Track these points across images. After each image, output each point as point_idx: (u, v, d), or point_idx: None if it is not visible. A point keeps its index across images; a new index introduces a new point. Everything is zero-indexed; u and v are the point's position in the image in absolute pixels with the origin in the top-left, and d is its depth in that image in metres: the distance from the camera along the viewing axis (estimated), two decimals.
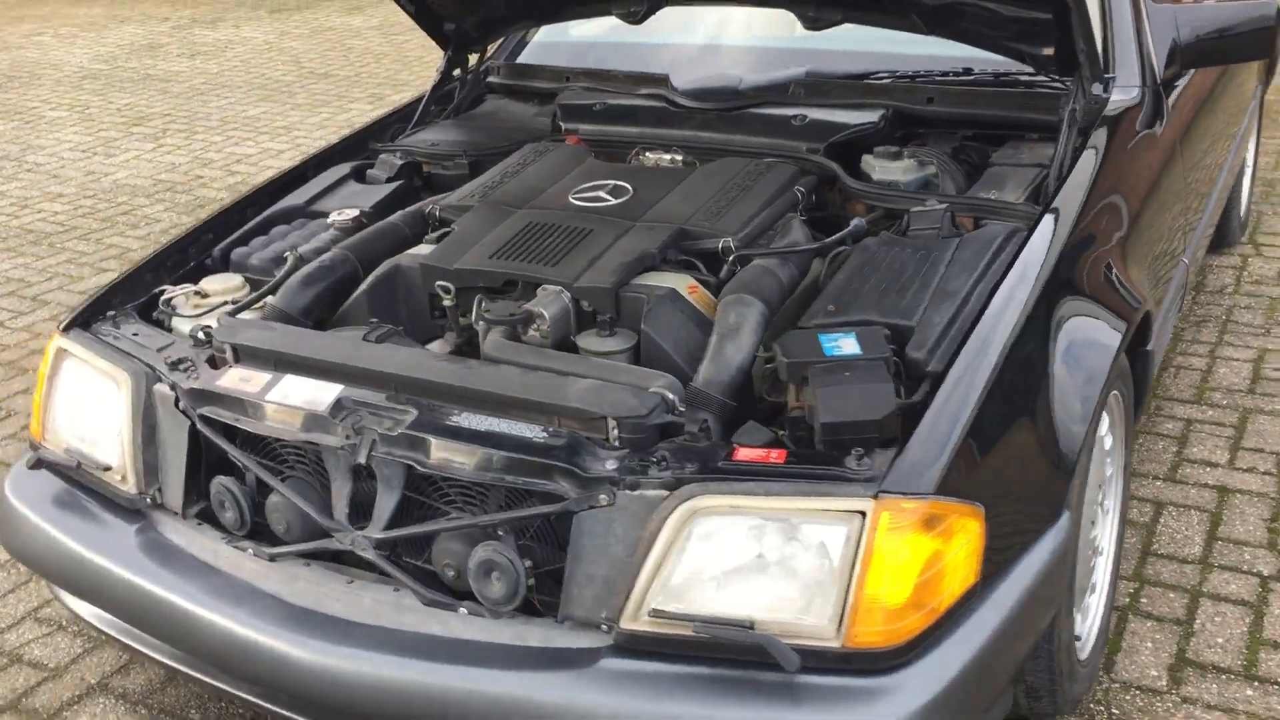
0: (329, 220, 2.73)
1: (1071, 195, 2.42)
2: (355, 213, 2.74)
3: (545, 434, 1.93)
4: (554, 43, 3.51)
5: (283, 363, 2.17)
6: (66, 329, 2.43)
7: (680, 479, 1.82)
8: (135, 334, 2.40)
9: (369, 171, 2.99)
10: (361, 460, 2.01)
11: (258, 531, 2.18)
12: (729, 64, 3.14)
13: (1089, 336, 2.24)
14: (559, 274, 2.28)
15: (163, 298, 2.52)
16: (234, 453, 2.17)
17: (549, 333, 2.22)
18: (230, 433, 2.19)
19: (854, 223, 2.46)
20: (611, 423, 1.90)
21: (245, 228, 2.77)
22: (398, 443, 1.99)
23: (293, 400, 2.10)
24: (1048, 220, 2.33)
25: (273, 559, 2.11)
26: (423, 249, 2.53)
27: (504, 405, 1.99)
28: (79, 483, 2.36)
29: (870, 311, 2.13)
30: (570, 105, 3.08)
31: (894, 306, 2.13)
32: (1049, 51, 2.61)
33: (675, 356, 2.17)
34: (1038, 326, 2.11)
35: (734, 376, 2.07)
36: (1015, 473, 1.96)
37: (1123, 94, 2.83)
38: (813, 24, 2.82)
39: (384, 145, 3.09)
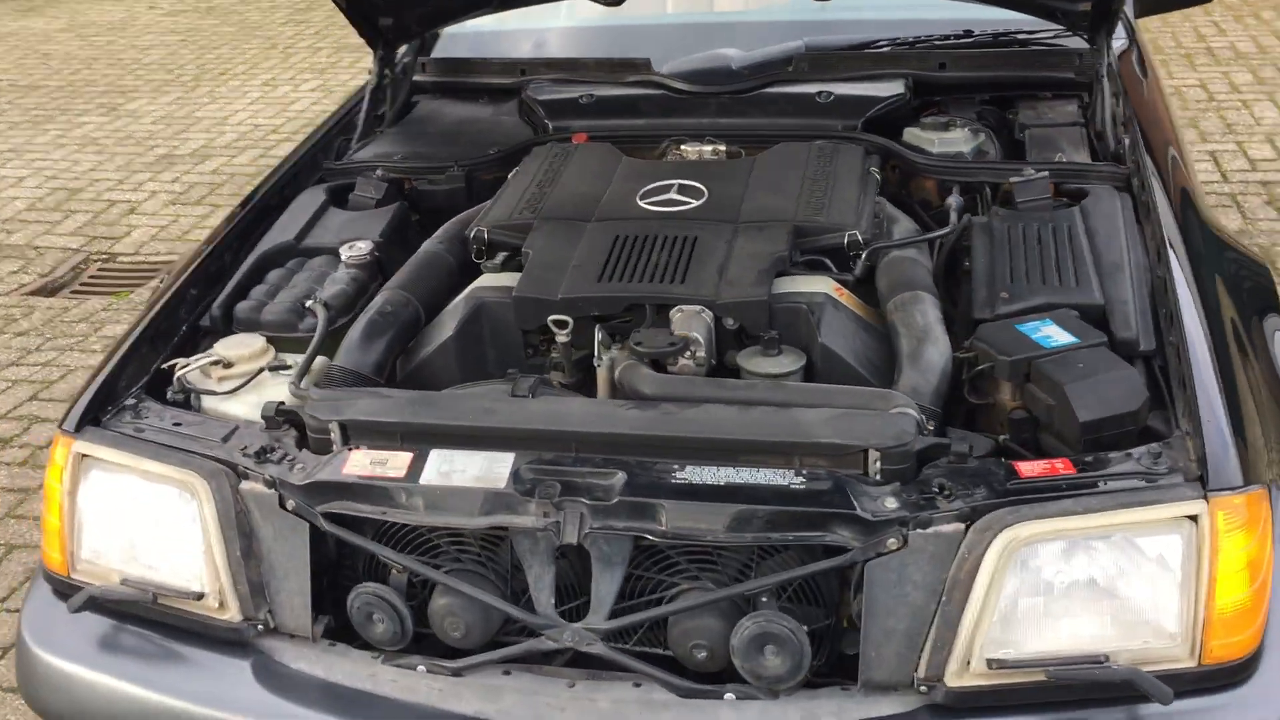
0: (342, 257, 2.31)
1: (1139, 148, 2.39)
2: (368, 246, 2.33)
3: (802, 478, 1.68)
4: (478, 34, 3.15)
5: (417, 435, 1.79)
6: (78, 428, 1.92)
7: (975, 508, 1.62)
8: (176, 424, 1.92)
9: (351, 195, 2.56)
10: (572, 540, 1.68)
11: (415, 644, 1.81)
12: (709, 42, 2.92)
13: (1256, 283, 2.20)
14: (693, 291, 2.01)
15: (177, 373, 2.04)
16: (386, 553, 1.78)
17: (704, 359, 1.96)
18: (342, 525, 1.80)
19: (952, 200, 2.32)
20: (874, 455, 1.67)
21: (236, 278, 2.29)
22: (616, 513, 1.68)
23: (458, 479, 1.73)
24: (1140, 178, 2.29)
25: (458, 673, 1.74)
26: (497, 280, 2.17)
27: (731, 451, 1.72)
28: (144, 619, 1.87)
29: (1044, 294, 2.00)
30: (551, 100, 2.76)
31: (1067, 286, 2.01)
32: (1085, 7, 2.56)
33: (859, 369, 1.96)
34: (1212, 285, 2.04)
35: (940, 382, 1.89)
36: (1275, 441, 1.89)
37: (1118, 43, 2.84)
38: None
39: (353, 163, 2.66)
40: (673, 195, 2.29)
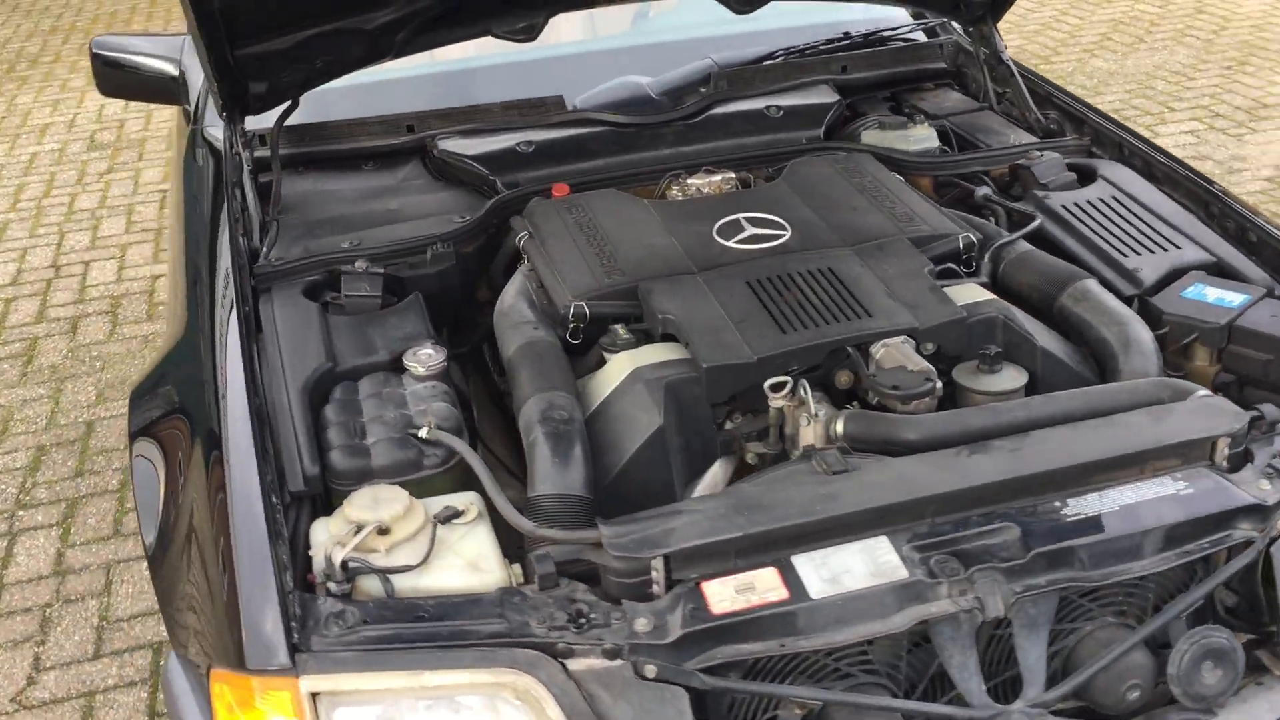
0: (414, 371, 1.88)
1: (1087, 119, 2.57)
2: (438, 353, 1.91)
3: (1181, 483, 1.62)
4: (324, 92, 2.66)
5: (755, 547, 1.51)
6: (293, 664, 1.38)
7: None
8: (418, 616, 1.46)
9: (345, 297, 2.08)
10: (998, 613, 1.49)
11: None
12: (596, 72, 2.71)
13: None
14: (888, 322, 1.86)
15: (340, 559, 1.54)
16: (795, 692, 1.47)
17: (940, 390, 1.83)
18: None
19: (984, 192, 2.35)
20: (1223, 443, 1.65)
21: (298, 427, 1.77)
22: (1033, 570, 1.52)
23: (852, 582, 1.48)
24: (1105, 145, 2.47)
25: None
26: (654, 355, 1.87)
27: (1086, 473, 1.62)
28: None
29: (1165, 260, 2.09)
30: (487, 155, 2.45)
31: (1172, 249, 2.11)
32: None
33: (1076, 368, 1.93)
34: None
35: (1160, 360, 1.91)
36: None
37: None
38: (743, 6, 2.56)
39: (298, 261, 2.15)
40: (752, 231, 2.10)
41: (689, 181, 2.36)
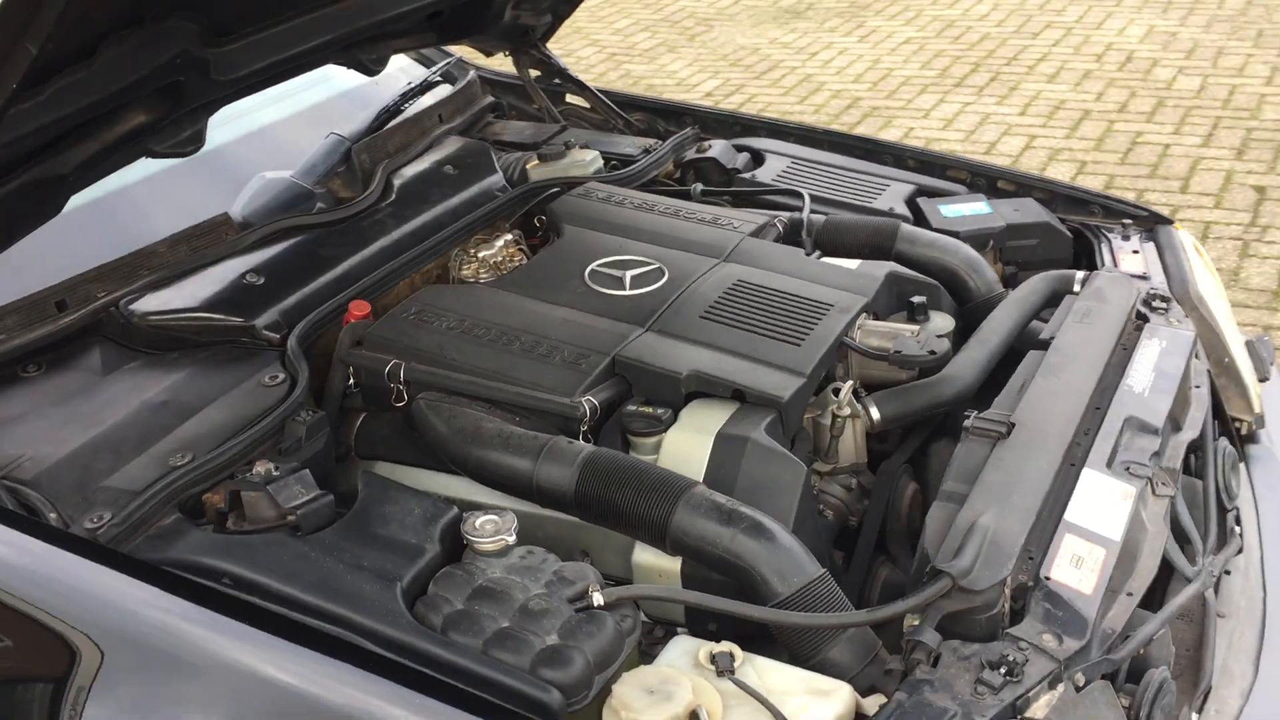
0: (486, 550, 1.50)
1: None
2: (511, 516, 1.53)
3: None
4: None
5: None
6: None
7: None
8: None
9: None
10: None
11: None
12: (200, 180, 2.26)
13: None
14: (847, 304, 1.93)
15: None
16: None
17: None
18: None
19: (697, 189, 2.45)
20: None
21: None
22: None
23: (1121, 522, 1.57)
24: None
25: None
26: (719, 414, 1.69)
27: None
28: None
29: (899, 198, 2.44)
30: (216, 300, 1.93)
31: (893, 187, 2.47)
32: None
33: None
34: None
35: None
36: None
37: None
38: (374, 66, 2.34)
39: (174, 483, 1.54)
40: (627, 274, 1.99)
41: (479, 255, 2.10)
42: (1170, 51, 6.19)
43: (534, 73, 2.84)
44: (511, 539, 1.50)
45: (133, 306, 1.90)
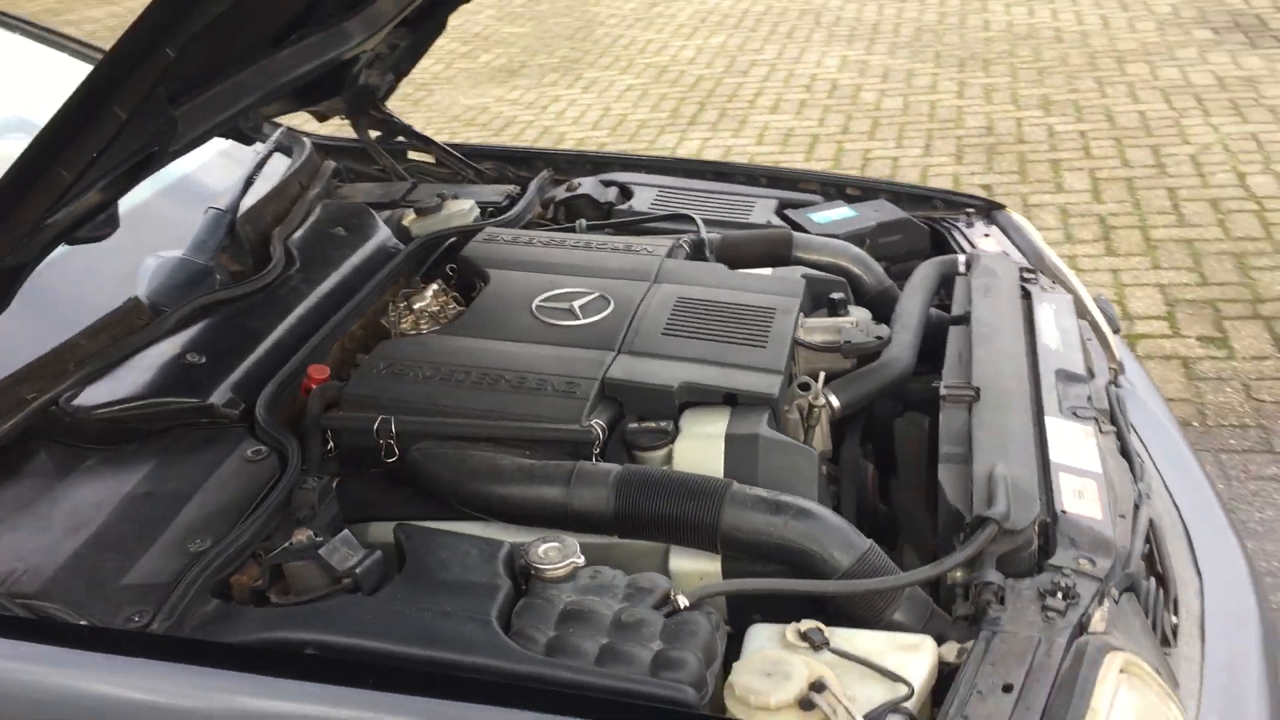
0: (555, 575, 1.53)
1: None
2: (573, 542, 1.55)
3: None
4: None
5: None
6: None
7: None
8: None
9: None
10: None
11: None
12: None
13: None
14: (789, 305, 2.06)
15: None
16: None
17: None
18: None
19: (583, 224, 2.52)
20: None
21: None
22: None
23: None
24: None
25: None
26: (703, 425, 1.78)
27: None
28: None
29: (769, 210, 2.59)
30: (160, 385, 1.85)
31: (760, 202, 2.63)
32: None
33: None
34: None
35: None
36: None
37: None
38: (255, 134, 2.31)
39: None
40: (573, 305, 2.04)
41: (414, 306, 2.08)
42: (867, 77, 6.78)
43: (374, 133, 2.83)
44: (580, 560, 1.53)
45: (75, 403, 1.77)
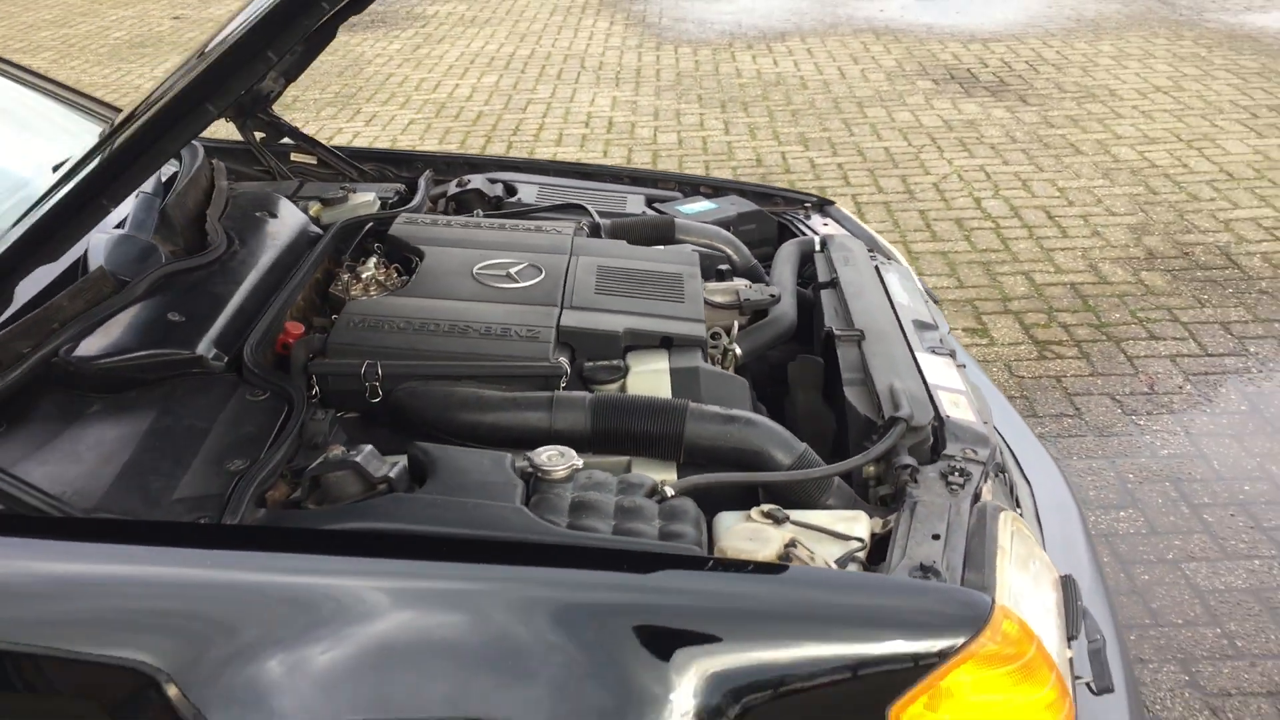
0: (558, 476, 1.81)
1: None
2: (572, 453, 1.83)
3: None
4: None
5: None
6: None
7: None
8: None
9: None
10: None
11: None
12: None
13: None
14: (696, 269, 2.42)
15: None
16: None
17: None
18: None
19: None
20: None
21: None
22: None
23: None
24: None
25: None
26: (649, 362, 2.08)
27: None
28: None
29: (640, 202, 2.94)
30: (148, 339, 2.01)
31: (630, 196, 2.96)
32: None
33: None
34: None
35: None
36: None
37: None
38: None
39: None
40: (508, 272, 2.31)
41: (362, 275, 2.29)
42: (640, 115, 7.27)
43: (258, 135, 2.99)
44: (579, 463, 1.80)
45: (76, 354, 1.90)
